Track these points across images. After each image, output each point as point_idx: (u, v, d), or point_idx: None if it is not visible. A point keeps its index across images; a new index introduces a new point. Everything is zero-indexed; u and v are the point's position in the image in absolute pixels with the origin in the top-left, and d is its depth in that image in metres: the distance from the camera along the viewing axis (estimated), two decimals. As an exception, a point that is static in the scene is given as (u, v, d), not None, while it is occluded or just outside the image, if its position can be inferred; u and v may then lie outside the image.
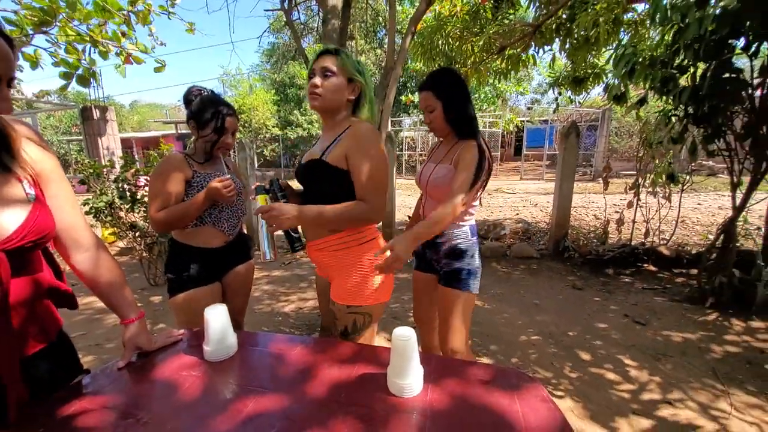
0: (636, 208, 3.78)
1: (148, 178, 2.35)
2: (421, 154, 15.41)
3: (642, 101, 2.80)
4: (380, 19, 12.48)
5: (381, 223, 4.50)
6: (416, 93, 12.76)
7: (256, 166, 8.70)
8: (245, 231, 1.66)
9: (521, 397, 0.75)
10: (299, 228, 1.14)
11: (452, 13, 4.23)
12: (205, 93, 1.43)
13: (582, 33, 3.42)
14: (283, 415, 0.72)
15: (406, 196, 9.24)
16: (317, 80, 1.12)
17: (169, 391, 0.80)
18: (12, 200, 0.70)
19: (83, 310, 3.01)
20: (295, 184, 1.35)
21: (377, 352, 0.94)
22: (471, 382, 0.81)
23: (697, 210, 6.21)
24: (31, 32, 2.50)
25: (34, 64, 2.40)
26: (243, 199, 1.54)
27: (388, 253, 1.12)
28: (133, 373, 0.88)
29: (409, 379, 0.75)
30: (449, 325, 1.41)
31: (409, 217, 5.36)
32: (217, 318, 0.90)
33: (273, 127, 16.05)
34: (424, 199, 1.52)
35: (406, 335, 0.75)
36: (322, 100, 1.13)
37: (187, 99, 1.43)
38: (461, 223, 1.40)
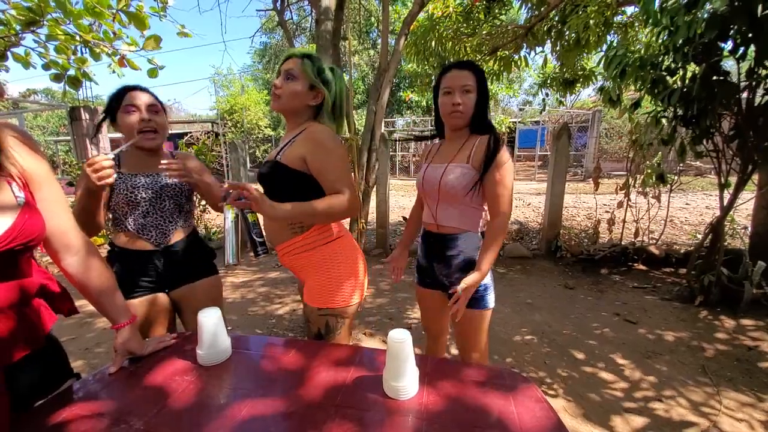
0: (626, 208, 3.83)
1: None
2: (414, 155, 15.43)
3: (637, 104, 2.83)
4: (373, 19, 12.49)
5: (376, 224, 4.49)
6: (411, 92, 12.78)
7: (248, 167, 8.63)
8: (206, 241, 1.50)
9: (516, 397, 0.76)
10: (263, 232, 1.11)
11: (445, 14, 4.25)
12: None
13: (573, 35, 3.47)
14: (279, 419, 0.71)
15: (400, 197, 9.25)
16: (278, 81, 1.14)
17: (162, 396, 0.79)
18: (0, 203, 0.69)
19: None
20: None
21: (373, 355, 0.94)
22: (466, 383, 0.81)
23: (685, 210, 6.32)
24: (20, 31, 2.45)
25: (27, 64, 2.36)
26: (182, 202, 1.31)
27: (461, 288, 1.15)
28: (125, 378, 0.87)
29: (405, 381, 0.75)
30: (470, 344, 1.33)
31: (405, 218, 5.36)
32: (210, 322, 0.89)
33: (265, 127, 15.96)
34: (435, 203, 1.29)
35: (401, 338, 0.75)
36: (280, 102, 1.15)
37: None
38: (474, 232, 1.27)
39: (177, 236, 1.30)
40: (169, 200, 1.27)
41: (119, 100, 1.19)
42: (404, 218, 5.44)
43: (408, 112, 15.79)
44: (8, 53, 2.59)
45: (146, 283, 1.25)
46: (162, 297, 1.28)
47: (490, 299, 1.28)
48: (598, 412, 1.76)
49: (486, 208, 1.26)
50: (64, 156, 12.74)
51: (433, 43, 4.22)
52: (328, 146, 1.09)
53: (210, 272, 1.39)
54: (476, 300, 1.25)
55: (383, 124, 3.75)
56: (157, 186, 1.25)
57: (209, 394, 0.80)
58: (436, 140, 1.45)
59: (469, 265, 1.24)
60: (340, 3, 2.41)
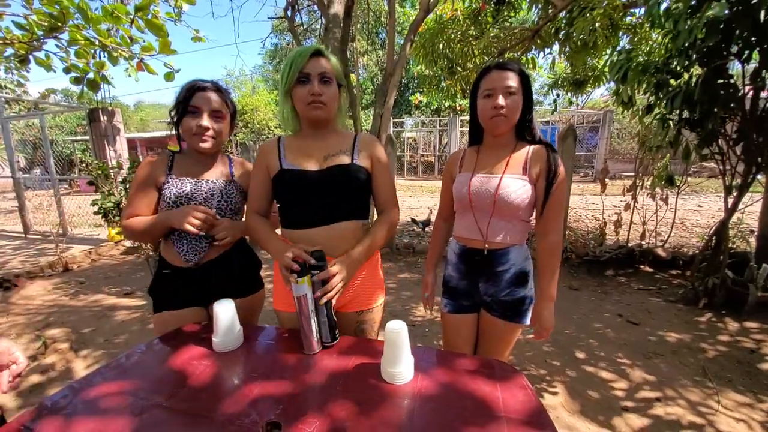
0: (633, 209, 3.83)
1: None
2: (422, 155, 15.46)
3: (651, 107, 2.82)
4: (382, 20, 12.55)
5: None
6: (419, 94, 12.77)
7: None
8: (257, 252, 1.37)
9: (503, 385, 0.82)
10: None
11: (453, 16, 4.30)
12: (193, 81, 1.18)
13: (580, 37, 3.49)
14: (286, 400, 0.79)
15: (407, 197, 9.31)
16: (317, 87, 1.02)
17: (182, 377, 0.87)
18: None
19: (92, 307, 3.09)
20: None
21: (372, 344, 1.01)
22: (457, 371, 0.87)
23: (698, 212, 6.24)
24: (42, 37, 2.59)
25: (48, 67, 2.51)
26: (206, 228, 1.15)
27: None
28: (148, 362, 0.96)
29: (401, 368, 0.82)
30: (493, 354, 1.26)
31: (413, 219, 5.39)
32: (225, 312, 0.98)
33: (275, 127, 16.17)
34: (488, 217, 1.17)
35: (397, 328, 0.82)
36: (326, 110, 1.06)
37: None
38: (521, 245, 1.18)
39: (214, 251, 1.21)
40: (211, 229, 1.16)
41: (186, 100, 1.12)
42: (412, 219, 5.49)
43: (417, 111, 15.82)
44: (30, 57, 2.74)
45: (184, 297, 1.20)
46: (199, 312, 1.22)
47: (527, 314, 1.22)
48: (596, 410, 1.80)
49: (534, 219, 1.19)
50: (80, 155, 13.10)
51: (441, 45, 4.27)
52: (386, 162, 1.16)
53: (256, 288, 1.30)
54: (518, 313, 1.20)
55: (391, 124, 3.81)
56: (201, 196, 1.17)
57: (223, 376, 0.88)
58: (464, 146, 1.37)
59: (521, 278, 1.17)
60: (348, 10, 2.48)
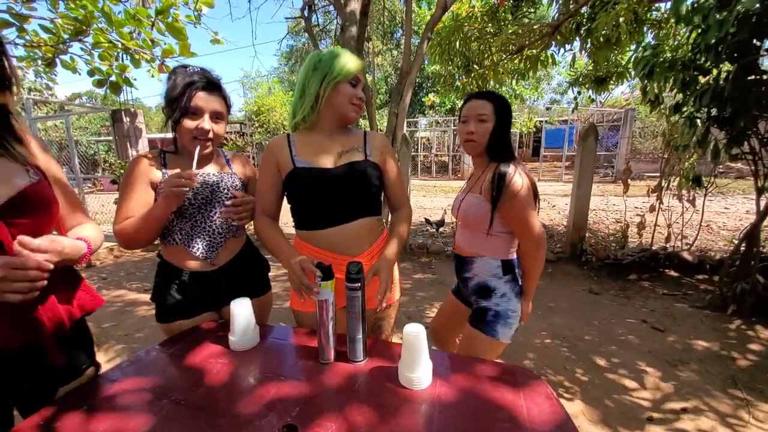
0: (658, 211, 3.70)
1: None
2: (436, 155, 15.35)
3: (678, 107, 2.70)
4: (397, 20, 12.52)
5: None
6: (433, 94, 12.72)
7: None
8: (263, 253, 1.35)
9: (526, 393, 0.79)
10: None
11: (470, 14, 4.24)
12: (185, 68, 1.09)
13: (603, 33, 3.38)
14: (301, 401, 0.78)
15: (421, 197, 9.26)
16: (360, 92, 1.12)
17: (199, 375, 0.87)
18: (14, 178, 0.75)
19: (114, 302, 3.18)
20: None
21: (390, 347, 0.99)
22: (478, 377, 0.85)
23: (724, 214, 5.99)
24: (67, 40, 2.67)
25: (74, 70, 2.59)
26: (241, 212, 1.15)
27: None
28: (167, 359, 0.96)
29: (419, 372, 0.80)
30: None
31: (427, 219, 5.34)
32: (242, 311, 0.98)
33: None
34: (459, 227, 1.38)
35: (416, 331, 0.80)
36: (360, 111, 1.15)
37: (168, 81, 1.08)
38: (492, 258, 1.25)
39: (229, 251, 1.18)
40: (219, 207, 1.13)
41: (187, 99, 1.04)
42: (426, 220, 5.43)
43: (431, 111, 15.73)
44: (57, 60, 2.84)
45: (195, 304, 1.15)
46: (210, 317, 1.19)
47: (501, 331, 1.21)
48: (618, 419, 1.73)
49: (514, 237, 1.24)
50: (104, 155, 13.52)
51: (458, 43, 4.21)
52: (395, 156, 1.23)
53: (264, 289, 1.29)
54: (481, 322, 1.23)
55: (405, 124, 3.79)
56: (207, 191, 1.12)
57: (239, 375, 0.88)
58: None
59: (482, 290, 1.25)
60: (365, 8, 2.47)
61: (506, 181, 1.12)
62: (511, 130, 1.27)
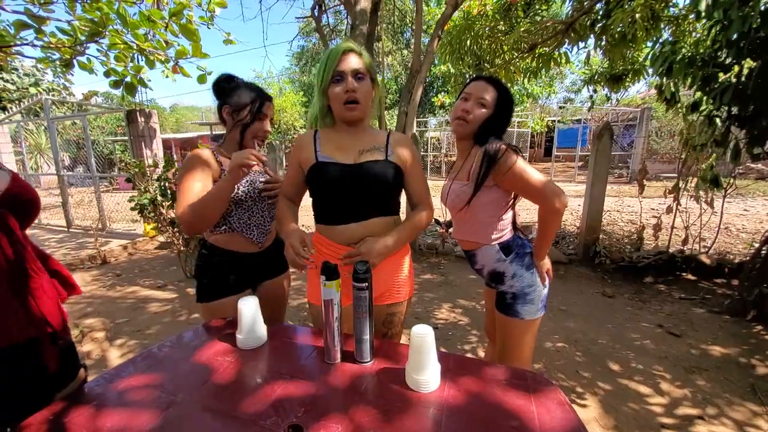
0: (675, 213, 3.59)
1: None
2: (446, 155, 15.27)
3: (696, 105, 2.62)
4: (407, 19, 12.50)
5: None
6: (443, 94, 12.64)
7: (284, 166, 8.95)
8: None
9: (537, 399, 0.77)
10: None
11: (481, 12, 4.19)
12: (239, 80, 1.31)
13: (618, 30, 3.30)
14: (307, 401, 0.77)
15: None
16: (351, 84, 1.04)
17: (206, 373, 0.87)
18: None
19: (127, 298, 3.24)
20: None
21: (397, 348, 0.98)
22: (487, 381, 0.83)
23: (744, 216, 5.80)
24: (84, 41, 2.73)
25: (90, 71, 2.64)
26: (271, 189, 1.34)
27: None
28: (177, 355, 0.97)
29: (426, 375, 0.79)
30: (503, 351, 1.30)
31: (437, 220, 5.31)
32: (249, 309, 0.97)
33: (301, 128, 16.44)
34: (453, 219, 1.37)
35: (423, 332, 0.79)
36: (360, 108, 1.07)
37: (219, 85, 1.27)
38: (489, 245, 1.25)
39: (273, 235, 1.38)
40: (267, 197, 1.32)
41: (258, 102, 1.25)
42: (435, 220, 5.39)
43: (441, 111, 15.64)
44: (74, 61, 2.90)
45: (238, 283, 1.28)
46: (249, 293, 1.31)
47: (523, 309, 1.21)
48: (632, 426, 1.69)
49: (504, 217, 1.25)
50: (120, 154, 13.81)
51: (469, 42, 4.17)
52: (418, 158, 1.20)
53: (284, 268, 1.44)
54: (502, 305, 1.24)
55: (415, 123, 3.77)
56: (257, 182, 1.29)
57: (246, 373, 0.87)
58: None
59: (495, 277, 1.26)
60: (375, 7, 2.46)
61: (497, 159, 1.12)
62: (515, 130, 1.26)
